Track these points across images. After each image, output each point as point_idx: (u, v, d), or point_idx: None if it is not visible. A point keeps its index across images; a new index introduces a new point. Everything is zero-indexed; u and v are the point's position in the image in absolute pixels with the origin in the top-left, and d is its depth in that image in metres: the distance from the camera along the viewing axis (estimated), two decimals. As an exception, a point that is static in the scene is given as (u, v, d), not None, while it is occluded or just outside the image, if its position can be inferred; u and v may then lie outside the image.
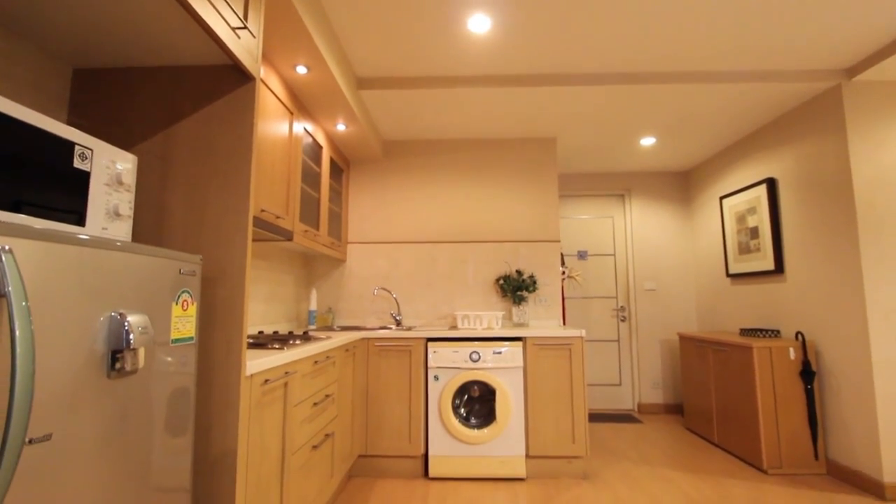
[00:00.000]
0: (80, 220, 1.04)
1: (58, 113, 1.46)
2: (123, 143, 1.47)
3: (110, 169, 1.13)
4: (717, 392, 3.37)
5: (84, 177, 1.06)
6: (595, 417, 4.21)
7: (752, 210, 3.54)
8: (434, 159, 3.70)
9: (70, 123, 1.48)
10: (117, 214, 1.14)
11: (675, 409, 4.38)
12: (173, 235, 1.43)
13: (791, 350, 2.93)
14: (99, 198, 1.10)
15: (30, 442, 0.78)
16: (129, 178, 1.19)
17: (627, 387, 4.46)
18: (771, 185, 3.32)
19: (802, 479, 2.77)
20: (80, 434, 0.89)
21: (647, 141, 3.75)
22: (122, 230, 1.16)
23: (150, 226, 1.44)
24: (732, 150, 3.85)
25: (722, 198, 3.93)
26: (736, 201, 3.74)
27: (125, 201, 1.17)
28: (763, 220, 3.41)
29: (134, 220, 1.44)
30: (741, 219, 3.68)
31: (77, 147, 1.04)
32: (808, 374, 2.87)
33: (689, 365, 3.77)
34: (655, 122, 3.36)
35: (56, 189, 0.99)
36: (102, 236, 1.10)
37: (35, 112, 0.95)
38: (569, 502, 2.48)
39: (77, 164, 1.04)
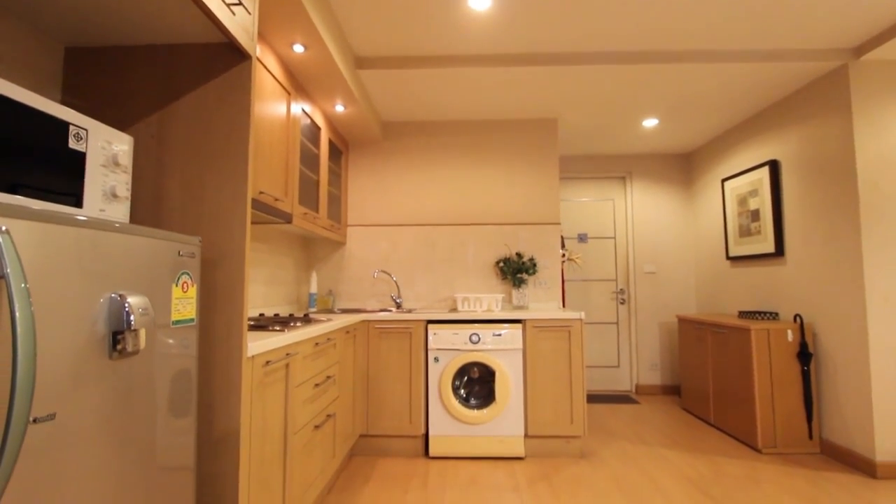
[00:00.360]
0: (77, 202, 1.04)
1: (51, 93, 1.44)
2: (119, 123, 1.45)
3: (106, 150, 1.12)
4: (714, 373, 3.41)
5: (80, 158, 1.04)
6: (593, 398, 4.26)
7: (753, 192, 3.52)
8: (434, 140, 3.66)
9: (64, 103, 1.46)
10: (114, 196, 1.13)
11: (672, 391, 4.44)
12: (171, 217, 1.43)
13: (789, 332, 2.95)
14: (95, 179, 1.08)
15: (34, 421, 0.79)
16: (126, 160, 1.17)
17: (626, 368, 4.51)
18: (773, 167, 3.29)
19: (796, 458, 2.82)
20: (84, 413, 0.90)
21: (650, 122, 3.71)
22: (119, 212, 1.16)
23: (147, 208, 1.43)
24: (735, 132, 3.81)
25: (724, 180, 3.90)
26: (738, 183, 3.72)
27: (122, 182, 1.16)
28: (765, 203, 3.39)
29: (131, 201, 1.43)
30: (742, 201, 3.66)
31: (72, 127, 1.02)
32: (805, 355, 2.90)
33: (688, 347, 3.80)
34: (658, 102, 3.32)
35: (52, 170, 0.98)
36: (100, 217, 1.09)
37: (28, 91, 0.93)
38: (566, 480, 2.53)
39: (72, 144, 1.02)
